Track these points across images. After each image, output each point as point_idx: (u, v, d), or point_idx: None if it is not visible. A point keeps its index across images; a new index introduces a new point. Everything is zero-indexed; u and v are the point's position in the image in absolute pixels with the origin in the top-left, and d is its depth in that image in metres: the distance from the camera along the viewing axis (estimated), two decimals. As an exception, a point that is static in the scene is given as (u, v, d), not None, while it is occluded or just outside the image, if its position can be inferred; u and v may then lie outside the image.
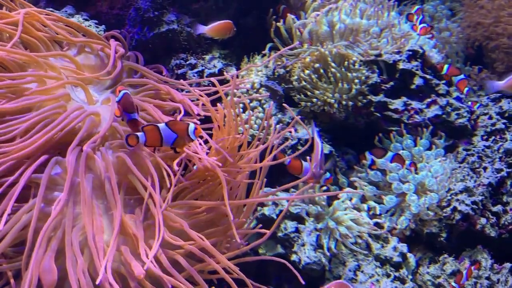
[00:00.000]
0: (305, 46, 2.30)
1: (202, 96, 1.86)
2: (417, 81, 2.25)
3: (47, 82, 1.83)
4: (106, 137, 1.81)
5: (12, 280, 1.49)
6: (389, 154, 2.16)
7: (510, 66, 2.46)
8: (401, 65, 2.24)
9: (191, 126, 1.52)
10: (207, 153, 1.69)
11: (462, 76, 2.19)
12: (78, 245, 1.49)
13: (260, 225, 1.74)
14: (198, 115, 1.79)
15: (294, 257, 1.96)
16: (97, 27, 2.32)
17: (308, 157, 2.01)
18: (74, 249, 1.47)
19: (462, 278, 1.90)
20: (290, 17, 2.34)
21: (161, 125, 1.51)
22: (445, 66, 2.19)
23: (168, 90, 1.91)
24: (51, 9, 2.33)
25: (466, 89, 2.22)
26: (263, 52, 2.36)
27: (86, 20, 2.33)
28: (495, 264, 2.04)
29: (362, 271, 1.96)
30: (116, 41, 2.07)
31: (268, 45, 2.36)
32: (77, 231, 1.54)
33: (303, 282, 1.60)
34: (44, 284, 1.39)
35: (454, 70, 2.21)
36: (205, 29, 2.26)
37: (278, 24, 2.35)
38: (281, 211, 2.02)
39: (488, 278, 2.01)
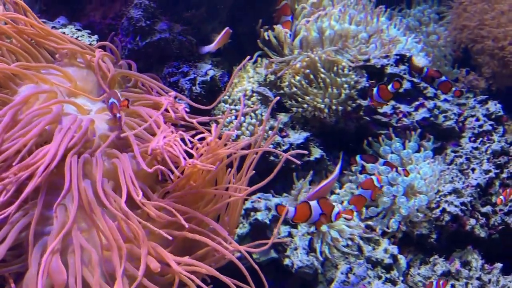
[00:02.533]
0: (295, 52, 2.34)
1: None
2: (405, 84, 2.29)
3: (39, 96, 1.86)
4: (99, 145, 1.86)
5: (13, 285, 1.52)
6: (380, 161, 2.18)
7: (495, 71, 2.48)
8: (388, 69, 2.28)
9: (336, 210, 1.78)
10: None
11: (443, 78, 2.20)
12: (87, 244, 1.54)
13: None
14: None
15: (287, 261, 1.98)
16: (89, 37, 2.35)
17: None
18: (86, 247, 1.52)
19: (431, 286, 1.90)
20: (279, 27, 2.37)
21: (313, 203, 1.78)
22: (424, 69, 2.21)
23: (154, 99, 1.95)
24: (44, 20, 2.36)
25: (454, 89, 2.23)
26: (252, 60, 2.39)
27: (79, 30, 2.36)
28: (485, 265, 2.06)
29: (354, 274, 1.99)
30: (109, 51, 2.11)
31: (257, 53, 2.39)
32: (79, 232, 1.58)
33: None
34: (56, 285, 1.44)
35: (433, 73, 2.22)
36: (211, 47, 2.29)
37: (270, 32, 2.37)
38: (273, 216, 2.05)
39: (479, 278, 2.03)
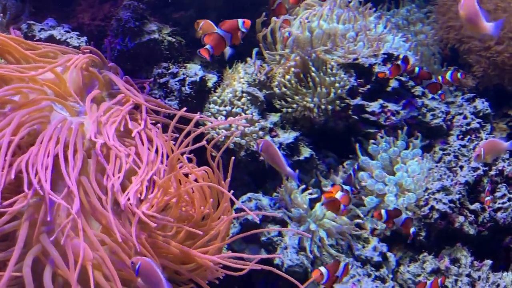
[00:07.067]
0: (287, 51, 2.34)
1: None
2: (393, 83, 2.30)
3: (29, 95, 1.88)
4: (89, 146, 1.88)
5: None
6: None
7: (486, 70, 2.49)
8: (377, 68, 2.29)
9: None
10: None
11: (433, 80, 2.23)
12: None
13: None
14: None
15: (277, 260, 1.99)
16: (78, 38, 2.34)
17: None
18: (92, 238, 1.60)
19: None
20: (277, 22, 2.37)
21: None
22: (416, 69, 2.23)
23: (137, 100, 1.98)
24: (32, 22, 2.36)
25: (440, 92, 2.26)
26: (246, 59, 2.39)
27: (67, 32, 2.36)
28: (475, 262, 2.07)
29: (343, 272, 1.99)
30: (94, 54, 2.12)
31: (254, 50, 2.38)
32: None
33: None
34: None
35: (424, 74, 2.24)
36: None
37: (274, 18, 2.35)
38: (264, 215, 2.05)
39: (468, 275, 2.03)
